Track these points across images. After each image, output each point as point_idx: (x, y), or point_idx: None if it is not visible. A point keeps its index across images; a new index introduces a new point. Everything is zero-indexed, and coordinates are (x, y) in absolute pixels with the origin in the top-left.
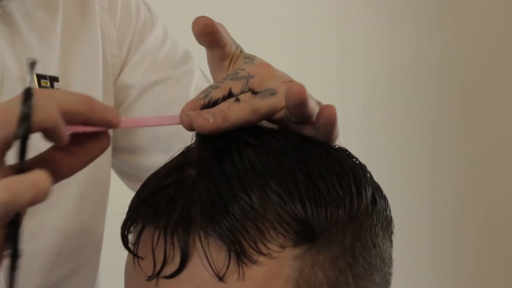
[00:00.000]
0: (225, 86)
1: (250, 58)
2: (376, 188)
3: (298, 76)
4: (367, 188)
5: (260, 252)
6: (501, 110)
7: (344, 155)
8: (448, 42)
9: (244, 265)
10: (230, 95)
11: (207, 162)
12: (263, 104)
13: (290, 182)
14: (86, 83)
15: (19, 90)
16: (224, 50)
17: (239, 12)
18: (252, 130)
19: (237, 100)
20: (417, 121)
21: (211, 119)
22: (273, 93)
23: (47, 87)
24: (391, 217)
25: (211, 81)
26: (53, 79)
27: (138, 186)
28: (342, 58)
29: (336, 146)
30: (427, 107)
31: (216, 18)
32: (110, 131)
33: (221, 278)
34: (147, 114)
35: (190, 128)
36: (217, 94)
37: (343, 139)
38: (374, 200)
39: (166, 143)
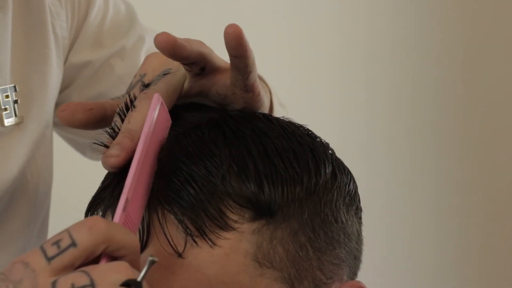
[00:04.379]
0: (123, 102)
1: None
2: (338, 164)
3: (301, 74)
4: (327, 165)
5: (218, 228)
6: (505, 109)
7: (303, 133)
8: (451, 42)
9: (202, 241)
10: (128, 106)
11: (166, 143)
12: (158, 87)
13: (247, 160)
14: (40, 85)
15: None
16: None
17: (243, 11)
18: (212, 112)
19: (133, 107)
20: (420, 121)
21: (116, 152)
22: (166, 73)
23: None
24: (355, 192)
25: None
26: (13, 89)
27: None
28: (345, 56)
29: (297, 124)
30: (429, 107)
31: (218, 14)
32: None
33: (180, 255)
34: (104, 89)
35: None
36: (119, 115)
37: (349, 137)
38: (334, 176)
39: None
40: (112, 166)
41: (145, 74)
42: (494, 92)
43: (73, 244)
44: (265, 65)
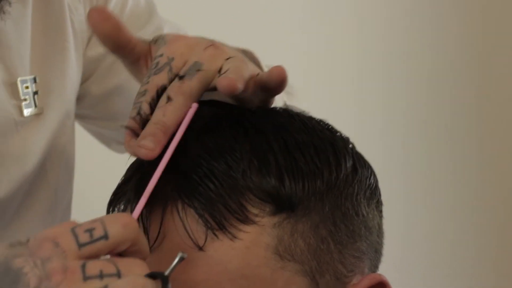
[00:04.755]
0: (152, 86)
1: (161, 39)
2: (359, 158)
3: (317, 72)
4: (347, 159)
5: (238, 221)
6: None
7: (324, 128)
8: (467, 41)
9: (222, 234)
10: (159, 94)
11: (186, 138)
12: (193, 85)
13: (268, 154)
14: (59, 76)
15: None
16: (133, 52)
17: (254, 9)
18: (230, 108)
19: (169, 99)
20: (436, 119)
21: (151, 144)
22: (198, 68)
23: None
24: (376, 186)
25: (181, 29)
26: (33, 81)
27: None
28: (362, 55)
29: (318, 119)
30: (444, 105)
31: (233, 13)
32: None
33: (201, 248)
34: (123, 80)
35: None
36: (147, 99)
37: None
38: (355, 170)
39: None
40: (145, 158)
41: (173, 58)
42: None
43: (105, 236)
44: (282, 60)
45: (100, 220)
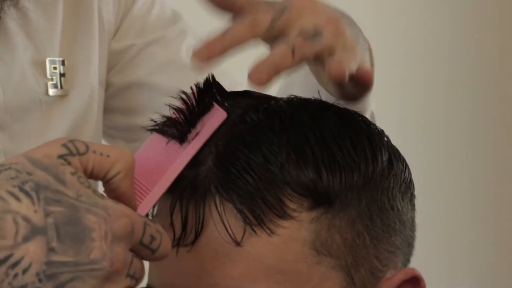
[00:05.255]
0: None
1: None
2: (394, 152)
3: None
4: (383, 152)
5: (276, 216)
6: None
7: (359, 120)
8: (486, 39)
9: (260, 230)
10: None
11: (222, 130)
12: (310, 52)
13: (305, 147)
14: (84, 61)
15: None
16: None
17: None
18: (266, 98)
19: (293, 52)
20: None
21: (265, 75)
22: (318, 35)
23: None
24: (410, 180)
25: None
26: (61, 63)
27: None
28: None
29: (352, 111)
30: (464, 103)
31: None
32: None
33: (238, 243)
34: (144, 74)
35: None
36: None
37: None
38: (391, 163)
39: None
40: (261, 83)
41: (290, 10)
42: None
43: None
44: None
45: (163, 236)
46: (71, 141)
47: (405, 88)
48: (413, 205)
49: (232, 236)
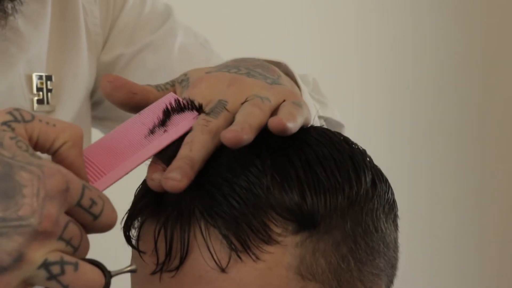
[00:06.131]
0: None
1: (186, 80)
2: (377, 172)
3: (324, 75)
4: (366, 173)
5: (262, 242)
6: None
7: (341, 140)
8: (471, 42)
9: (245, 255)
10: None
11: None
12: (219, 123)
13: (289, 169)
14: (72, 76)
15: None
16: (149, 103)
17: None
18: None
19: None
20: (440, 122)
21: (178, 176)
22: (224, 106)
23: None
24: (393, 200)
25: (197, 35)
26: (48, 78)
27: None
28: (366, 56)
29: (333, 131)
30: (450, 106)
31: (237, 13)
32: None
33: (223, 270)
34: (137, 80)
35: (163, 191)
36: None
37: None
38: (374, 184)
39: None
40: (172, 189)
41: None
42: None
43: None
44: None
45: (106, 203)
46: (17, 109)
47: (390, 96)
48: (396, 226)
49: (218, 262)
